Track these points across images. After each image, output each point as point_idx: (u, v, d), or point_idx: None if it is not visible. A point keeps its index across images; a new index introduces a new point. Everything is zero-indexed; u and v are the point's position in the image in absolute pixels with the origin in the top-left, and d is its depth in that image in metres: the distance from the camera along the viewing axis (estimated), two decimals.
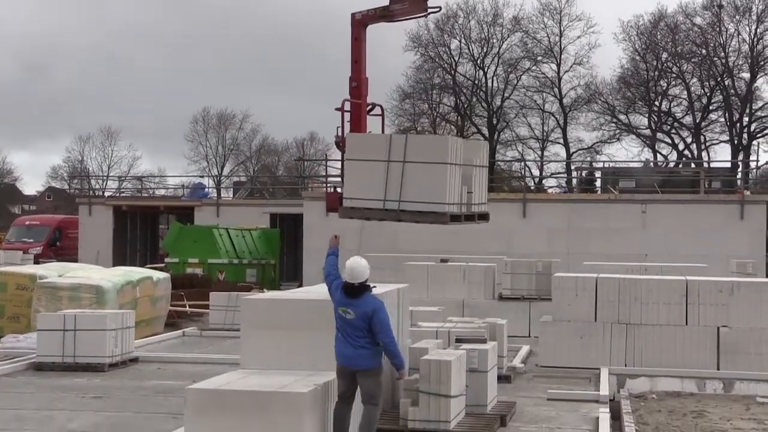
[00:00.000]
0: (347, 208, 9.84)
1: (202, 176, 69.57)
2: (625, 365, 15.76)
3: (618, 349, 15.98)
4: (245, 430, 8.58)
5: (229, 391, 8.81)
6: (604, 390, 13.44)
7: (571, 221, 34.56)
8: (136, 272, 22.89)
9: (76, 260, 39.29)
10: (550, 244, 34.07)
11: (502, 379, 13.90)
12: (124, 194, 56.42)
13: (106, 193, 54.46)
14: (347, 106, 12.03)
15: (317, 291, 12.11)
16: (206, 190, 52.13)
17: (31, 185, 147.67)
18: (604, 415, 11.59)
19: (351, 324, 8.99)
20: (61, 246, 47.66)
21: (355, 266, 9.17)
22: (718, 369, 15.47)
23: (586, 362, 15.90)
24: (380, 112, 12.49)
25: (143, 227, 47.71)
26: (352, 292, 9.06)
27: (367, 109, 12.06)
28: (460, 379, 10.78)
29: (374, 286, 9.35)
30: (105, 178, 68.87)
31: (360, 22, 13.93)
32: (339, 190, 11.01)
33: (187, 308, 25.80)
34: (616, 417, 12.25)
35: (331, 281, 9.34)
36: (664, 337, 15.83)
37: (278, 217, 44.27)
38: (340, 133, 11.32)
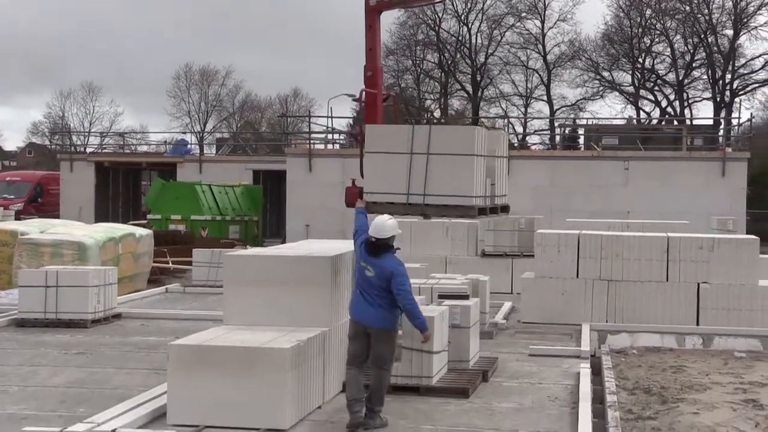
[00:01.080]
0: (369, 203, 9.54)
1: (184, 132, 69.31)
2: (606, 321, 15.87)
3: (599, 305, 16.08)
4: (228, 386, 8.60)
5: (212, 347, 8.82)
6: (585, 346, 13.53)
7: (554, 178, 34.62)
8: (118, 229, 22.83)
9: (57, 216, 39.13)
10: (533, 200, 34.11)
11: (485, 335, 13.97)
12: (106, 150, 56.09)
13: (88, 149, 54.12)
14: (364, 96, 11.62)
15: (300, 247, 12.10)
16: (189, 146, 51.88)
17: (11, 141, 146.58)
18: (585, 370, 11.68)
19: (370, 281, 8.84)
20: (42, 202, 47.43)
21: (381, 222, 8.99)
22: (697, 325, 15.60)
23: (568, 318, 16.00)
24: (392, 102, 11.94)
25: (125, 184, 47.51)
26: (373, 249, 8.90)
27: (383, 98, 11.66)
28: (443, 335, 10.83)
29: (398, 248, 9.18)
30: (87, 134, 68.41)
31: (374, 9, 13.45)
32: (356, 182, 10.62)
33: (170, 265, 25.77)
34: (596, 372, 12.33)
35: (358, 237, 9.26)
36: (645, 293, 15.94)
37: (261, 173, 44.14)
38: (356, 124, 10.96)
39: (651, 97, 62.37)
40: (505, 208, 11.35)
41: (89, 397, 10.06)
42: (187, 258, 24.74)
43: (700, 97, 61.21)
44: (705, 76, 60.27)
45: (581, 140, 52.04)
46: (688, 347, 14.81)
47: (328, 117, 44.65)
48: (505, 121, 54.73)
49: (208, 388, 8.62)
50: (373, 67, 10.06)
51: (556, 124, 58.52)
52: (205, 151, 55.16)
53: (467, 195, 10.09)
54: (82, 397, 10.02)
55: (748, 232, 27.94)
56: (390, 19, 61.67)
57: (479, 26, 61.15)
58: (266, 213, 43.47)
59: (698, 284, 15.80)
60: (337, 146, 45.15)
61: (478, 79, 61.97)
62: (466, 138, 10.31)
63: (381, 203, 9.58)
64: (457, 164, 9.98)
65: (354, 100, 10.25)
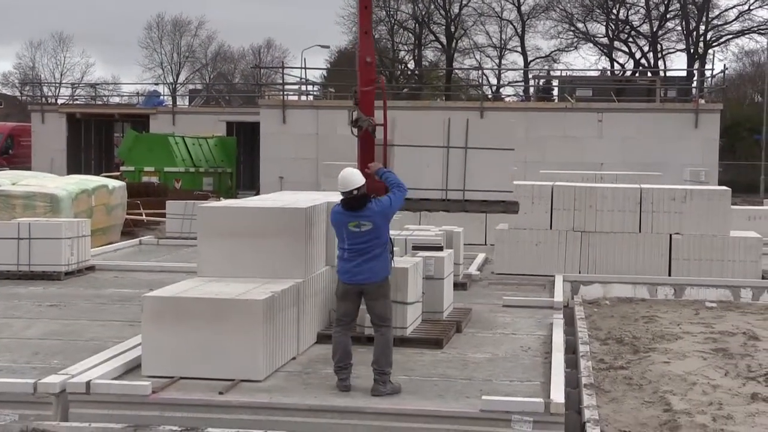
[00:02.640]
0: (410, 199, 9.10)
1: (157, 84, 68.68)
2: (579, 272, 15.95)
3: (572, 256, 16.16)
4: (202, 338, 8.59)
5: (185, 298, 8.79)
6: (559, 296, 13.59)
7: (528, 130, 34.61)
8: (91, 181, 22.63)
9: (29, 168, 38.81)
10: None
11: (458, 286, 14.02)
12: (77, 102, 55.48)
13: (59, 101, 53.50)
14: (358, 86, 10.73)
15: (274, 199, 12.05)
16: (161, 97, 51.46)
17: None
18: (558, 320, 11.75)
19: (366, 236, 8.48)
20: (13, 154, 46.99)
21: (349, 174, 8.67)
22: (669, 275, 15.72)
23: (541, 269, 16.07)
24: (382, 84, 11.20)
25: (98, 135, 47.12)
26: (357, 202, 8.54)
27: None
28: (417, 286, 10.84)
29: (374, 196, 8.84)
30: (58, 85, 67.60)
31: None
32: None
33: (144, 217, 25.66)
34: (569, 323, 12.43)
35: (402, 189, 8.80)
36: (618, 244, 16.02)
37: (235, 125, 43.90)
38: (355, 111, 9.96)
39: (625, 48, 62.36)
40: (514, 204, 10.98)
41: (63, 348, 10.02)
42: (160, 210, 24.63)
43: (673, 48, 61.32)
44: (679, 28, 60.29)
45: (555, 92, 52.02)
46: (660, 297, 14.94)
47: (301, 68, 44.39)
48: (479, 72, 54.56)
49: (182, 339, 8.60)
50: (371, 53, 9.37)
51: (530, 76, 58.39)
52: (178, 103, 54.71)
53: (507, 190, 9.81)
54: (57, 349, 9.99)
55: (720, 184, 28.15)
56: None
57: None
58: (240, 165, 43.30)
59: (670, 235, 15.90)
60: (311, 98, 44.91)
61: (453, 30, 61.69)
62: (506, 131, 10.06)
63: (416, 200, 9.11)
64: (498, 158, 9.73)
65: (360, 90, 9.46)
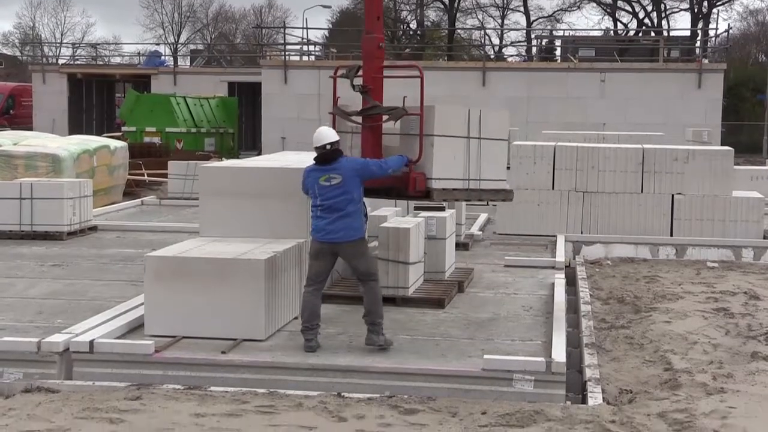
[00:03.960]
0: (439, 190, 9.03)
1: (158, 44, 68.37)
2: (581, 232, 15.95)
3: (574, 216, 16.14)
4: (204, 297, 8.61)
5: (188, 258, 8.80)
6: (560, 256, 13.61)
7: (531, 90, 34.50)
8: (92, 141, 22.60)
9: (30, 128, 38.75)
10: (508, 112, 34.01)
11: (460, 246, 14.03)
12: (78, 62, 55.25)
13: (60, 61, 53.29)
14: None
15: (276, 159, 12.03)
16: (163, 58, 51.22)
17: None
18: (559, 280, 11.76)
19: (335, 191, 8.44)
20: (15, 114, 46.88)
21: (322, 129, 8.69)
22: (671, 235, 15.71)
23: (543, 230, 16.07)
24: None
25: (99, 96, 46.97)
26: (329, 157, 8.53)
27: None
28: (419, 246, 10.85)
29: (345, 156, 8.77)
30: (58, 45, 67.30)
31: None
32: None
33: (146, 177, 25.64)
34: (571, 282, 12.45)
35: (303, 183, 8.74)
36: (620, 204, 15.99)
37: (236, 85, 43.75)
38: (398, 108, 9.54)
39: (628, 7, 61.93)
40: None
41: (66, 308, 10.05)
42: (162, 170, 24.60)
43: (677, 7, 60.89)
44: None
45: (558, 52, 51.79)
46: (661, 257, 14.95)
47: (303, 28, 44.15)
48: (482, 32, 54.26)
49: (184, 299, 8.62)
50: (381, 37, 9.26)
51: (532, 36, 58.07)
52: (179, 63, 54.45)
53: (504, 179, 10.08)
54: (60, 309, 10.01)
55: (722, 144, 28.07)
56: None
57: None
58: (242, 125, 43.21)
59: (672, 195, 15.87)
60: (312, 58, 44.72)
61: None
62: (503, 121, 10.25)
63: (449, 189, 9.14)
64: (499, 148, 9.98)
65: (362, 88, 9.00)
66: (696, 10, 58.40)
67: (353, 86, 9.22)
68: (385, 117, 9.08)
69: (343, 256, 8.66)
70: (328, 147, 8.57)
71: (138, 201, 21.19)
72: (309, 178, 8.64)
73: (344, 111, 9.24)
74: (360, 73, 9.20)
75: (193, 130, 36.23)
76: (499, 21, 63.32)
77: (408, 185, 8.88)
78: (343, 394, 7.56)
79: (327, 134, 8.63)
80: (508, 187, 10.17)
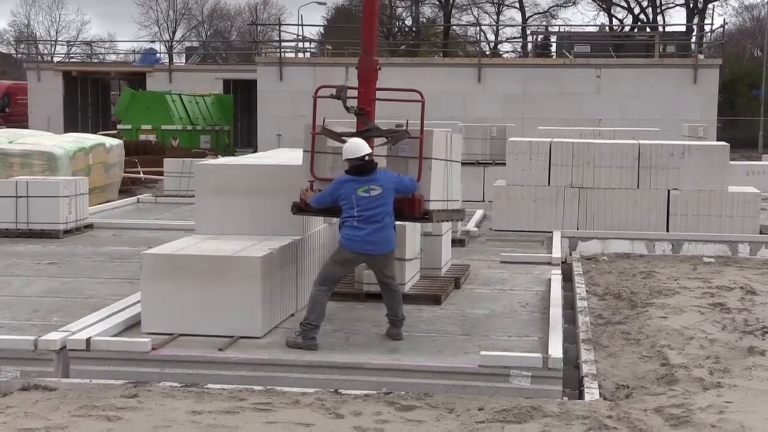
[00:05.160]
0: (437, 212, 9.37)
1: (153, 41, 68.31)
2: (577, 228, 15.96)
3: (570, 212, 16.15)
4: (200, 294, 8.60)
5: (184, 255, 8.79)
6: (557, 252, 13.61)
7: (526, 86, 34.51)
8: (88, 139, 22.60)
9: (26, 127, 38.69)
10: (504, 109, 34.05)
11: (456, 242, 14.03)
12: (73, 60, 55.19)
13: (55, 59, 53.18)
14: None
15: (272, 156, 12.02)
16: (158, 55, 51.22)
17: None
18: (556, 276, 11.75)
19: (376, 202, 8.51)
20: (10, 112, 46.82)
21: (355, 141, 8.71)
22: (667, 231, 15.72)
23: (539, 226, 16.08)
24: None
25: (94, 93, 46.91)
26: (368, 167, 8.58)
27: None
28: (415, 242, 10.84)
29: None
30: (53, 43, 67.18)
31: None
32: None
33: (141, 175, 25.63)
34: (567, 278, 12.45)
35: (328, 191, 8.70)
36: (616, 200, 16.00)
37: (232, 82, 43.75)
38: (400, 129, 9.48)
39: (623, 3, 61.93)
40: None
41: (63, 306, 10.03)
42: (158, 168, 24.59)
43: (672, 3, 60.91)
44: None
45: (553, 48, 51.78)
46: (657, 253, 14.95)
47: (298, 25, 44.12)
48: (477, 28, 54.22)
49: (181, 296, 8.62)
50: (378, 60, 9.35)
51: (528, 32, 58.06)
52: (174, 61, 54.40)
53: (459, 199, 10.73)
54: (56, 306, 9.99)
55: (718, 139, 28.07)
56: None
57: None
58: (237, 122, 43.21)
59: (668, 191, 15.88)
60: (308, 54, 44.69)
61: None
62: (459, 145, 10.98)
63: (440, 211, 9.51)
64: (458, 169, 10.65)
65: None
66: (691, 5, 58.44)
67: (347, 108, 9.22)
68: (379, 140, 9.12)
69: (375, 264, 8.81)
70: (366, 158, 8.62)
71: (134, 199, 21.16)
72: (344, 188, 8.60)
73: (333, 131, 9.17)
74: (346, 92, 9.22)
75: (189, 127, 36.22)
76: (495, 17, 63.31)
77: (414, 207, 8.99)
78: (340, 390, 7.56)
79: (362, 146, 8.67)
80: (461, 206, 10.81)
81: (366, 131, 9.12)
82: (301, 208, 9.18)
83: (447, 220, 10.26)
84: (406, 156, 9.13)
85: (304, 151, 9.35)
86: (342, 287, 10.47)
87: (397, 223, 9.06)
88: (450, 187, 10.11)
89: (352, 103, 9.26)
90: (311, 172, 9.15)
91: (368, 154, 8.64)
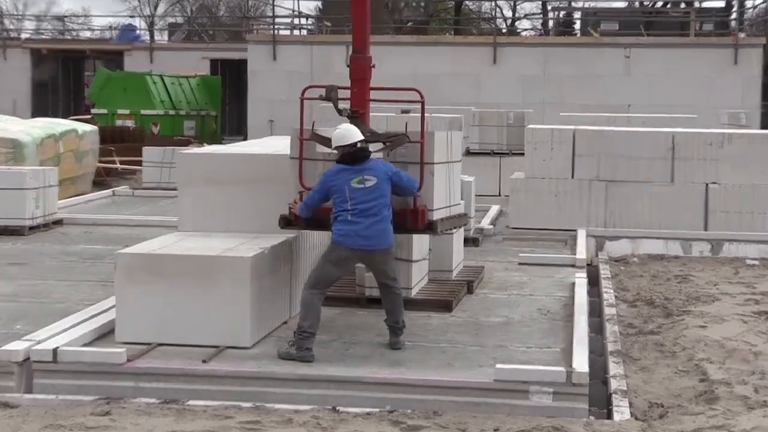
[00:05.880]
0: (441, 221, 9.45)
1: (132, 17, 68.23)
2: (605, 227, 15.90)
3: (597, 209, 16.09)
4: (182, 299, 8.56)
5: (164, 255, 8.77)
6: (581, 253, 13.59)
7: (547, 68, 34.44)
8: (58, 124, 22.58)
9: None
10: (523, 93, 34.01)
11: (469, 242, 14.03)
12: (43, 37, 55.27)
13: (23, 35, 53.26)
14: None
15: (263, 144, 11.98)
16: (137, 32, 51.22)
17: None
18: (580, 280, 11.74)
19: (372, 194, 8.55)
20: None
21: (347, 127, 8.80)
22: (705, 230, 15.65)
23: (562, 223, 16.03)
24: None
25: (66, 74, 46.94)
26: (359, 156, 8.64)
27: None
28: (423, 242, 10.79)
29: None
30: (21, 17, 67.24)
31: None
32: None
33: (118, 165, 25.62)
34: (594, 282, 12.41)
35: (317, 188, 8.71)
36: (648, 195, 15.94)
37: (219, 62, 43.76)
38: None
39: None
40: None
41: (28, 312, 10.00)
42: (136, 157, 24.59)
43: None
44: None
45: (577, 25, 51.78)
46: (694, 255, 14.92)
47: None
48: (493, 4, 54.18)
49: (160, 302, 8.58)
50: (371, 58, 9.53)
51: (549, 8, 57.99)
52: (156, 38, 54.45)
53: (459, 203, 10.76)
54: (20, 313, 9.96)
55: (762, 127, 28.04)
56: None
57: None
58: (225, 107, 43.21)
59: (706, 185, 15.82)
60: (304, 32, 44.68)
61: None
62: (459, 143, 11.19)
63: (443, 220, 9.58)
64: (459, 170, 10.80)
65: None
66: None
67: (339, 111, 9.32)
68: (377, 146, 9.14)
69: (373, 262, 8.82)
70: (359, 144, 8.68)
71: (109, 191, 21.20)
72: (337, 179, 8.62)
73: (323, 136, 9.17)
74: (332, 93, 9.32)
75: (171, 112, 36.24)
76: None
77: (416, 218, 9.02)
78: (338, 408, 7.50)
79: (354, 132, 8.73)
80: (463, 210, 10.87)
81: (369, 136, 9.17)
82: (289, 221, 9.19)
83: (451, 229, 10.32)
84: (405, 161, 9.21)
85: (290, 157, 9.35)
86: (341, 291, 10.44)
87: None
88: (452, 189, 10.20)
89: (345, 105, 9.35)
90: (300, 182, 9.14)
91: (361, 141, 8.71)
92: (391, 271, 8.89)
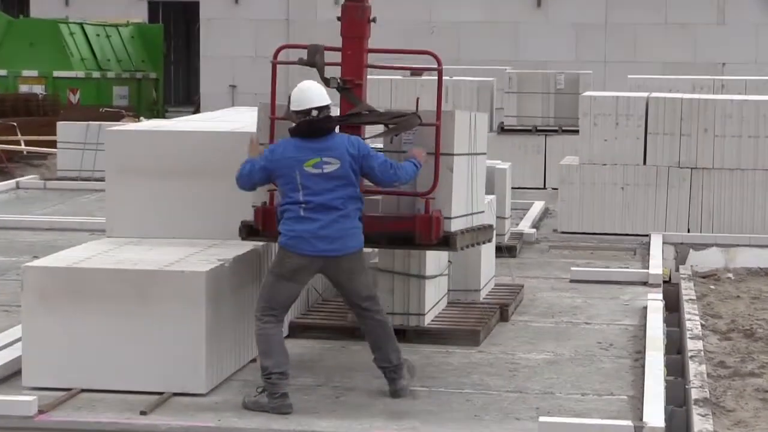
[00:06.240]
0: (460, 234, 9.37)
1: None
2: (688, 230, 15.95)
3: (678, 206, 16.14)
4: (113, 330, 8.59)
5: (87, 270, 8.79)
6: (656, 267, 13.60)
7: (611, 14, 34.44)
8: None
9: None
10: (577, 48, 34.03)
11: (503, 251, 14.02)
12: None
13: None
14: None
15: (222, 118, 12.03)
16: None
17: None
18: (655, 303, 11.75)
19: (333, 182, 8.50)
20: None
21: (306, 87, 8.62)
22: None
23: (630, 226, 16.09)
24: None
25: None
26: (318, 128, 8.53)
27: None
28: (440, 252, 10.82)
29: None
30: None
31: None
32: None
33: (23, 147, 25.64)
34: (673, 307, 12.45)
35: (260, 161, 8.71)
36: (748, 188, 15.98)
37: (161, 5, 43.70)
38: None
39: None
40: None
41: None
42: (48, 137, 24.59)
43: None
44: None
45: None
46: None
47: None
48: None
49: (82, 332, 8.62)
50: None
51: None
52: None
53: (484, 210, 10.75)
54: None
55: None
56: None
57: None
58: (170, 67, 43.18)
59: None
60: None
61: None
62: (482, 125, 10.97)
63: (464, 232, 9.57)
64: (483, 165, 10.77)
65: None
66: None
67: (325, 80, 9.18)
68: (377, 129, 9.15)
69: (337, 274, 8.71)
70: (315, 113, 8.54)
71: (12, 183, 21.17)
72: (284, 161, 8.55)
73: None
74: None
75: (96, 74, 36.18)
76: None
77: (427, 229, 8.99)
78: None
79: (314, 93, 8.57)
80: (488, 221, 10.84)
81: (354, 115, 9.14)
82: (253, 230, 9.17)
83: (472, 245, 10.27)
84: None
85: (258, 143, 9.26)
86: (329, 318, 10.52)
87: None
88: (474, 191, 10.15)
89: (334, 72, 9.25)
90: None
91: (320, 108, 8.55)
92: (365, 288, 8.75)
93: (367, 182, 8.91)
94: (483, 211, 10.68)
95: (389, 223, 9.14)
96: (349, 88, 9.19)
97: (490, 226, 10.74)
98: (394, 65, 9.45)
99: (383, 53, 9.56)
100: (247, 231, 9.21)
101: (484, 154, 10.78)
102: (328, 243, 8.49)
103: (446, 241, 9.22)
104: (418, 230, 9.04)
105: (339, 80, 9.16)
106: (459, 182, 9.56)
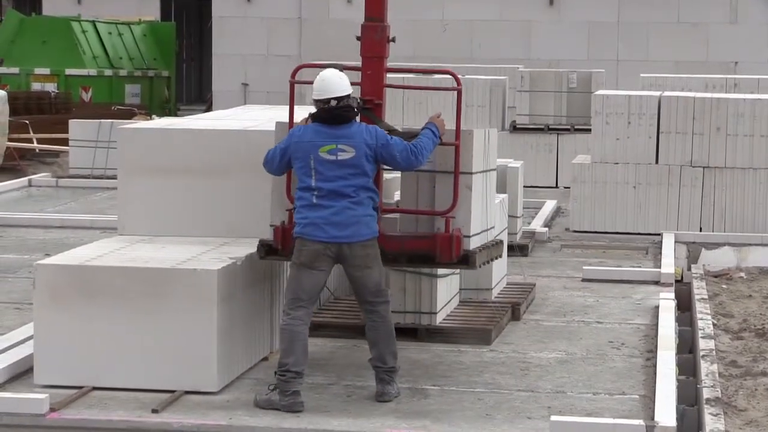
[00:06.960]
0: (479, 251, 9.40)
1: None
2: (700, 229, 15.94)
3: (690, 205, 16.12)
4: (124, 328, 8.61)
5: (99, 268, 8.80)
6: (668, 266, 13.61)
7: (623, 12, 34.39)
8: None
9: None
10: (589, 46, 33.99)
11: (516, 250, 14.00)
12: None
13: None
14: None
15: (234, 116, 12.03)
16: None
17: None
18: (666, 302, 11.75)
19: (345, 169, 8.58)
20: None
21: (330, 75, 8.74)
22: None
23: (642, 225, 16.08)
24: None
25: None
26: (336, 117, 8.63)
27: None
28: None
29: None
30: None
31: None
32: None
33: (35, 144, 25.66)
34: (685, 306, 12.44)
35: (276, 148, 8.83)
36: (760, 187, 15.96)
37: (173, 3, 43.74)
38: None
39: None
40: None
41: None
42: (61, 134, 24.60)
43: None
44: None
45: None
46: None
47: None
48: None
49: (93, 330, 8.63)
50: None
51: None
52: None
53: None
54: None
55: None
56: None
57: None
58: (182, 65, 43.21)
59: None
60: None
61: None
62: (494, 141, 10.97)
63: (482, 250, 9.59)
64: (491, 181, 10.62)
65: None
66: None
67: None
68: None
69: (350, 263, 8.69)
70: (334, 102, 8.62)
71: (24, 180, 21.20)
72: (301, 145, 8.63)
73: None
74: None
75: (108, 72, 36.22)
76: None
77: (448, 247, 8.99)
78: None
79: (334, 82, 8.67)
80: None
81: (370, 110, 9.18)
82: (272, 249, 9.13)
83: (488, 262, 10.28)
84: (431, 170, 9.26)
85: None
86: (342, 317, 10.52)
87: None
88: (488, 208, 10.20)
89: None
90: (287, 194, 9.09)
91: (339, 98, 8.63)
92: (375, 283, 8.75)
93: (386, 200, 8.93)
94: (494, 227, 10.67)
95: (408, 241, 9.14)
96: (370, 108, 9.19)
97: (501, 242, 10.72)
98: (413, 85, 9.34)
99: (403, 73, 9.48)
100: (266, 250, 9.15)
101: (495, 169, 10.82)
102: (340, 229, 8.53)
103: (465, 260, 9.21)
104: (438, 249, 9.03)
105: (359, 100, 9.10)
106: (476, 200, 9.58)
